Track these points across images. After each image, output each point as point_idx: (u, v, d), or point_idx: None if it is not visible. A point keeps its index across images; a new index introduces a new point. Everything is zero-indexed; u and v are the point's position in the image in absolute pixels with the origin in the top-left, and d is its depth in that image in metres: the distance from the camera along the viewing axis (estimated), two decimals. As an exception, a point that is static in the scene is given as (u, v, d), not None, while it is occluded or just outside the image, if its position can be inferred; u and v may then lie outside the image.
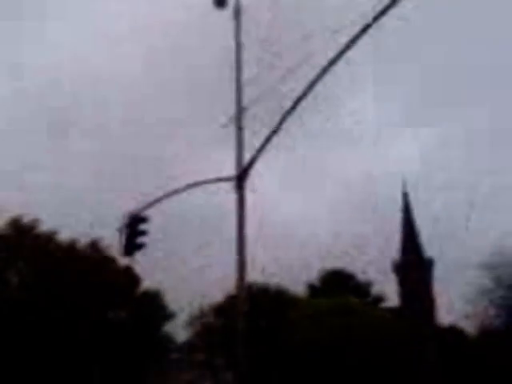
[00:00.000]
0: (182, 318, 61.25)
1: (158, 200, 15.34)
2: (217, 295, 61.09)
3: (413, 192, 79.23)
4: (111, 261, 50.40)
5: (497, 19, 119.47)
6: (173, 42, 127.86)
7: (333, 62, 11.39)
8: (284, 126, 12.96)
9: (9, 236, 48.76)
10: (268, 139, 13.27)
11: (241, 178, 14.00)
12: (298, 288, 63.62)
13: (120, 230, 14.87)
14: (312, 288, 64.56)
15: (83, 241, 52.02)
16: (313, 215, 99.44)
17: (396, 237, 76.39)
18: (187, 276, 59.21)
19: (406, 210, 77.19)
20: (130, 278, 54.26)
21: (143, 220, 14.97)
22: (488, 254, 45.67)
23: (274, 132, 13.11)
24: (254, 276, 61.60)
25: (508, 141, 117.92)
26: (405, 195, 77.84)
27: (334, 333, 51.15)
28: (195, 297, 59.79)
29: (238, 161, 14.25)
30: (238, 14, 14.82)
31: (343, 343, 49.75)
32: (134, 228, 14.76)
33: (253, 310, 59.25)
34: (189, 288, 57.51)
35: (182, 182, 14.99)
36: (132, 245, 14.77)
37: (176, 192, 14.97)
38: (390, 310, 63.36)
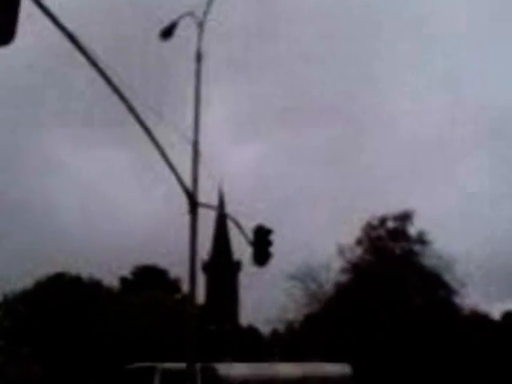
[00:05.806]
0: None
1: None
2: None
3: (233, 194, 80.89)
4: None
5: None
6: None
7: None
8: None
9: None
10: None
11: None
12: (110, 279, 62.18)
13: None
14: (125, 282, 63.37)
15: None
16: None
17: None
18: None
19: (221, 210, 78.65)
20: None
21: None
22: (296, 266, 49.31)
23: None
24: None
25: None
26: (220, 196, 79.23)
27: (144, 329, 51.13)
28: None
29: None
30: (199, 58, 14.78)
31: (155, 340, 49.81)
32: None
33: (66, 301, 56.51)
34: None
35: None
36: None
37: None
38: (198, 307, 64.22)
